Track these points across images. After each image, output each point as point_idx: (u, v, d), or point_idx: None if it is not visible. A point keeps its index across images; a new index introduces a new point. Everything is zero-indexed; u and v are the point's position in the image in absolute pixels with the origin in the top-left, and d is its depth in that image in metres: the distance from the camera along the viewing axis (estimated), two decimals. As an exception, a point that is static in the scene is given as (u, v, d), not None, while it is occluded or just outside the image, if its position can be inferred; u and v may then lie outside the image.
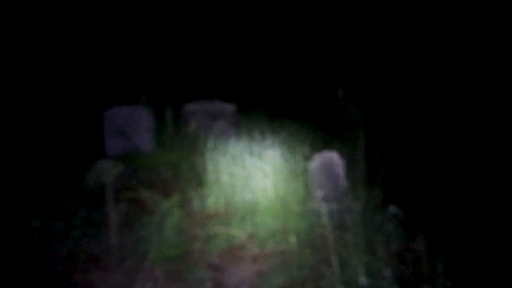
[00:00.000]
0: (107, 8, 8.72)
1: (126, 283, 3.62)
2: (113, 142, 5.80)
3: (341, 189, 4.55)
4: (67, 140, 5.96)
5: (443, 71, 7.30)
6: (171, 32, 8.75)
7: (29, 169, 5.21)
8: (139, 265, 3.76)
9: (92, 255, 3.93)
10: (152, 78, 5.99)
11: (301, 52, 8.75)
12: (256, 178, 4.83)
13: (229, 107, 6.64)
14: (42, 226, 3.98)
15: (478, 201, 4.62)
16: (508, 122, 5.98)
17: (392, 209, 3.88)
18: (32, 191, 4.63)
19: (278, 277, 3.66)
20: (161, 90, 6.14)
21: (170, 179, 5.18)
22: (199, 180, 5.04)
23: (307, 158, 4.90)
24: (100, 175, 4.12)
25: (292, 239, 4.08)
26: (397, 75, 7.07)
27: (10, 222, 4.14)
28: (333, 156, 4.65)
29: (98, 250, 3.96)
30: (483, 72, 7.02)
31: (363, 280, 3.33)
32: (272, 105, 7.29)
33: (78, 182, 4.89)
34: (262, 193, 4.68)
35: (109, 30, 8.63)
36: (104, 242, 3.99)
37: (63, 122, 6.75)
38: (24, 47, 8.04)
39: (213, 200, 4.75)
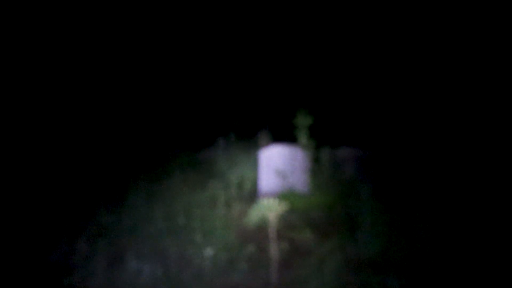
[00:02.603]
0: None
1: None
2: (269, 180, 6.19)
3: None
4: (227, 176, 6.48)
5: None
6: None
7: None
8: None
9: (253, 289, 4.28)
10: (310, 119, 6.35)
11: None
12: (414, 227, 4.91)
13: (382, 155, 6.81)
14: (213, 256, 4.44)
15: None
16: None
17: None
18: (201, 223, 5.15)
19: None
20: (316, 132, 6.45)
21: (325, 221, 5.43)
22: (354, 225, 5.22)
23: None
24: (263, 212, 4.47)
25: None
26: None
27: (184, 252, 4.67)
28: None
29: (259, 284, 4.29)
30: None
31: None
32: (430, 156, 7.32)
33: (240, 216, 5.34)
34: (419, 242, 4.74)
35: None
36: (264, 277, 4.32)
37: (221, 158, 7.36)
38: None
39: (368, 247, 4.88)
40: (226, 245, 4.71)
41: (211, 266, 4.43)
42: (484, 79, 8.36)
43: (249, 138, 7.68)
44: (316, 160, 6.36)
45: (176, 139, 8.29)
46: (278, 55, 9.62)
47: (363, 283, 4.35)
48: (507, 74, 8.08)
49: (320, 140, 6.46)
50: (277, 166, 6.14)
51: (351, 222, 5.26)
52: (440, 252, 4.65)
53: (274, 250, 4.35)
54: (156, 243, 4.77)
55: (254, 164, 6.45)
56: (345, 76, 9.35)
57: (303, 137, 6.33)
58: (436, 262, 4.51)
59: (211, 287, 4.22)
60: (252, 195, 6.15)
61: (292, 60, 9.57)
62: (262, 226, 4.68)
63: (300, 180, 6.08)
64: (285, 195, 5.72)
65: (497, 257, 4.49)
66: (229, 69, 9.64)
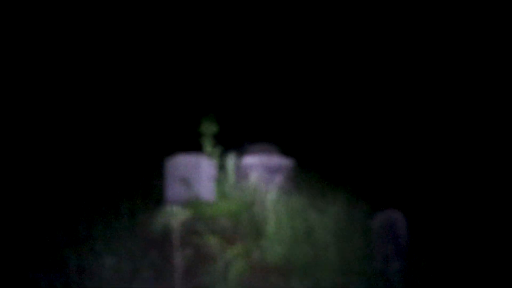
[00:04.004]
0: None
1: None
2: (174, 189, 6.17)
3: (403, 249, 4.73)
4: (131, 185, 6.39)
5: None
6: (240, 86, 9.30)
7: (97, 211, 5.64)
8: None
9: (157, 298, 4.24)
10: (215, 126, 6.43)
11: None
12: (317, 232, 5.08)
13: (288, 162, 6.97)
14: (114, 265, 4.35)
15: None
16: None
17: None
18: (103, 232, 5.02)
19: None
20: (222, 140, 6.53)
21: (230, 228, 5.48)
22: (259, 232, 5.31)
23: (369, 215, 5.11)
24: (167, 219, 4.46)
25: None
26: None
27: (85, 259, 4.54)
28: (395, 215, 4.86)
29: (163, 293, 4.27)
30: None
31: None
32: (332, 161, 7.59)
33: (145, 225, 5.27)
34: (323, 248, 4.91)
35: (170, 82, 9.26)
36: (168, 284, 4.30)
37: (127, 167, 7.23)
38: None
39: (273, 252, 4.99)
40: (129, 253, 4.63)
41: (113, 275, 4.34)
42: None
43: (155, 147, 7.61)
44: (221, 168, 6.42)
45: (78, 148, 8.05)
46: (186, 63, 9.61)
47: (268, 287, 4.45)
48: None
49: (226, 148, 6.54)
50: (182, 174, 6.13)
51: (256, 228, 5.36)
52: (342, 255, 4.85)
53: (178, 257, 4.34)
54: (55, 253, 4.60)
55: (160, 173, 6.40)
56: (251, 82, 9.48)
57: (208, 145, 6.39)
58: (338, 265, 4.70)
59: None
60: (158, 204, 6.09)
61: (199, 68, 9.59)
62: (166, 234, 4.66)
63: (205, 188, 6.11)
64: (191, 203, 5.73)
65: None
66: (134, 76, 9.50)
